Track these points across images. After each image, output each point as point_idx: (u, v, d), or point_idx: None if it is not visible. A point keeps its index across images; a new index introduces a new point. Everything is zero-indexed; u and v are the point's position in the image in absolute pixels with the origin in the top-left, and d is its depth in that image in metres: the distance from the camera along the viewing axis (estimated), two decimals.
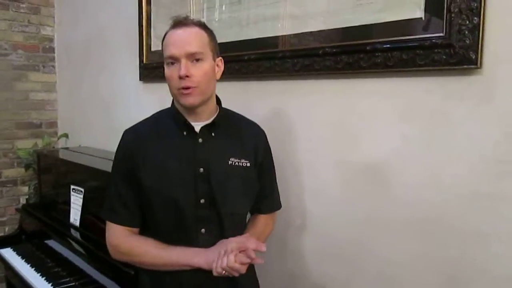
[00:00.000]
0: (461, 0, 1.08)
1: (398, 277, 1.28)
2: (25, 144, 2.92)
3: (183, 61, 1.09)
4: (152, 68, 2.14)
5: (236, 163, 1.19)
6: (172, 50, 1.10)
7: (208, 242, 1.15)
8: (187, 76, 1.09)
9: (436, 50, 1.13)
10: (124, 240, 1.18)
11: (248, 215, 1.34)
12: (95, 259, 1.67)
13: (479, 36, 1.06)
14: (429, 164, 1.19)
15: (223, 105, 1.26)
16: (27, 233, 2.31)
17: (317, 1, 1.41)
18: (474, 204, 1.11)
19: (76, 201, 1.97)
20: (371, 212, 1.33)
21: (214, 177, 1.15)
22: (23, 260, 2.05)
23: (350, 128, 1.37)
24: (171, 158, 1.16)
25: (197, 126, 1.18)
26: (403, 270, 1.26)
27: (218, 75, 1.19)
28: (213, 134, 1.19)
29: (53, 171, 2.35)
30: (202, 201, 1.15)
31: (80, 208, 1.94)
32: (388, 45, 1.23)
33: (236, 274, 1.07)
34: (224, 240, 1.13)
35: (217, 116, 1.21)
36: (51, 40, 3.04)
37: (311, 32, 1.45)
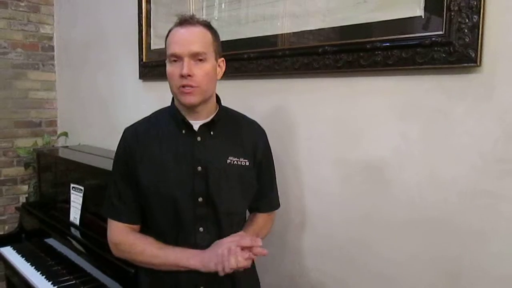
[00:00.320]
0: None
1: (397, 276, 1.28)
2: (25, 143, 2.92)
3: (186, 60, 1.09)
4: (152, 67, 2.14)
5: (235, 162, 1.19)
6: (175, 48, 1.10)
7: (206, 241, 1.15)
8: (189, 75, 1.09)
9: (435, 49, 1.13)
10: (123, 238, 1.18)
11: (247, 214, 1.34)
12: (95, 257, 1.67)
13: (478, 34, 1.06)
14: (428, 162, 1.19)
15: (223, 104, 1.26)
16: (27, 232, 2.31)
17: (316, 0, 1.41)
18: (473, 202, 1.12)
19: (76, 199, 1.97)
20: (370, 210, 1.33)
21: (212, 176, 1.15)
22: (23, 258, 2.05)
23: (349, 126, 1.37)
24: (169, 156, 1.16)
25: (196, 125, 1.18)
26: (402, 269, 1.26)
27: (219, 76, 1.19)
28: (211, 133, 1.19)
29: (52, 170, 2.35)
30: (199, 199, 1.15)
31: (80, 207, 1.94)
32: (387, 44, 1.23)
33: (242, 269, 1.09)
34: (218, 241, 1.13)
35: (216, 114, 1.21)
36: (50, 38, 3.04)
37: (310, 30, 1.45)
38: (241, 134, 1.25)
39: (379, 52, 1.25)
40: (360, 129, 1.34)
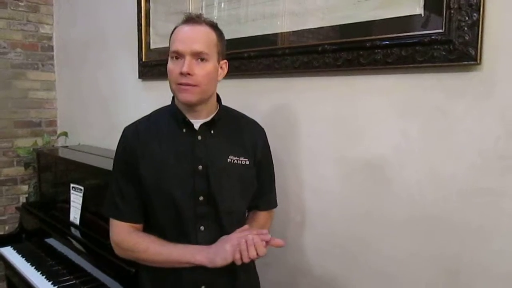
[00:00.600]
0: None
1: (397, 273, 1.28)
2: (25, 143, 2.92)
3: (188, 58, 1.09)
4: (151, 66, 2.14)
5: (235, 161, 1.19)
6: (178, 45, 1.10)
7: (207, 239, 1.15)
8: (188, 74, 1.08)
9: (435, 47, 1.13)
10: (126, 237, 1.18)
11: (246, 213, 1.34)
12: (95, 257, 1.67)
13: (478, 32, 1.06)
14: (428, 160, 1.19)
15: (223, 103, 1.26)
16: (27, 232, 2.31)
17: None
18: (474, 200, 1.12)
19: (76, 199, 1.97)
20: (370, 208, 1.33)
21: (212, 175, 1.15)
22: (24, 258, 2.05)
23: (349, 124, 1.37)
24: (170, 155, 1.16)
25: (196, 124, 1.18)
26: (402, 266, 1.27)
27: (220, 77, 1.19)
28: (212, 132, 1.19)
29: (52, 170, 2.35)
30: (200, 198, 1.15)
31: (80, 207, 1.94)
32: (387, 42, 1.23)
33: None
34: (225, 237, 1.13)
35: (216, 113, 1.21)
36: (50, 38, 3.04)
37: (310, 29, 1.45)
38: (241, 133, 1.25)
39: (379, 50, 1.25)
40: (360, 128, 1.34)
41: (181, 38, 1.11)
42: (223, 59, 1.18)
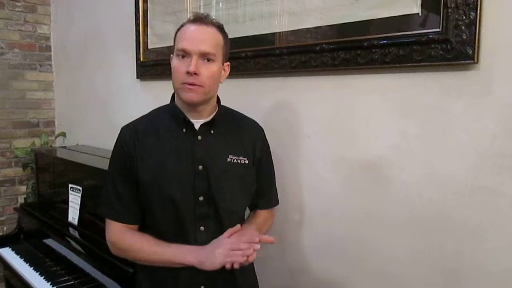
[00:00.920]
0: None
1: (397, 273, 1.28)
2: (23, 143, 2.91)
3: (194, 57, 1.09)
4: (149, 66, 2.13)
5: (235, 160, 1.19)
6: (186, 44, 1.10)
7: (207, 240, 1.15)
8: (195, 73, 1.09)
9: (433, 46, 1.13)
10: (121, 237, 1.18)
11: (247, 212, 1.34)
12: (93, 257, 1.67)
13: (475, 31, 1.06)
14: (427, 159, 1.19)
15: (221, 103, 1.26)
16: (26, 233, 2.30)
17: None
18: (472, 199, 1.12)
19: (74, 199, 1.97)
20: (369, 208, 1.33)
21: (212, 175, 1.15)
22: (22, 259, 2.05)
23: (348, 124, 1.37)
24: (169, 155, 1.15)
25: (197, 124, 1.18)
26: (401, 266, 1.27)
27: (223, 79, 1.19)
28: (212, 132, 1.19)
29: (51, 170, 2.34)
30: (200, 198, 1.15)
31: (78, 207, 1.94)
32: (385, 41, 1.23)
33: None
34: (216, 240, 1.13)
35: (216, 113, 1.21)
36: (47, 38, 3.03)
37: (308, 28, 1.45)
38: (240, 133, 1.25)
39: (376, 49, 1.25)
40: (358, 127, 1.34)
41: (189, 37, 1.11)
42: (226, 61, 1.19)
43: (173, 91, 1.22)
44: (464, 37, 1.07)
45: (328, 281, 1.46)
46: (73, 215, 1.96)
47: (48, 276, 1.85)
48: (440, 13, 1.12)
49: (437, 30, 1.13)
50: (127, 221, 1.19)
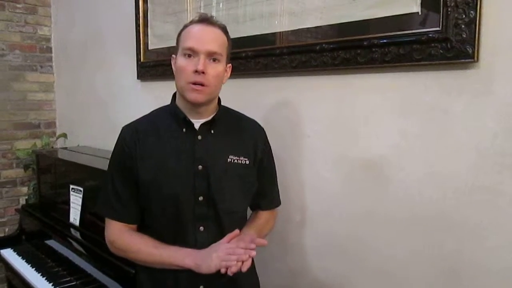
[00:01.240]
0: None
1: (397, 272, 1.28)
2: (24, 145, 2.92)
3: (202, 56, 1.10)
4: (150, 67, 2.13)
5: (235, 161, 1.19)
6: (193, 43, 1.10)
7: (207, 240, 1.15)
8: (202, 72, 1.09)
9: (433, 45, 1.13)
10: (120, 236, 1.18)
11: (249, 212, 1.34)
12: (95, 258, 1.67)
13: (475, 30, 1.06)
14: (427, 158, 1.19)
15: (222, 103, 1.26)
16: (27, 234, 2.31)
17: None
18: (472, 198, 1.12)
19: (76, 200, 1.97)
20: (370, 207, 1.33)
21: (212, 175, 1.15)
22: (24, 260, 2.05)
23: (348, 123, 1.37)
24: (170, 154, 1.16)
25: (197, 123, 1.18)
26: (401, 265, 1.27)
27: (225, 80, 1.20)
28: (212, 132, 1.19)
29: (52, 171, 2.34)
30: (200, 198, 1.15)
31: (79, 208, 1.94)
32: (385, 40, 1.23)
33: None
34: (215, 245, 1.13)
35: (216, 113, 1.21)
36: (48, 40, 3.04)
37: (308, 28, 1.45)
38: (241, 133, 1.25)
39: (376, 49, 1.25)
40: (358, 126, 1.34)
41: (196, 36, 1.11)
42: (228, 63, 1.19)
43: (173, 92, 1.23)
44: (464, 36, 1.07)
45: (329, 281, 1.46)
46: (75, 216, 1.96)
47: (49, 277, 1.85)
48: (440, 12, 1.12)
49: (437, 29, 1.13)
50: (126, 221, 1.19)
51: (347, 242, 1.40)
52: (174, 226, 1.16)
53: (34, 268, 1.95)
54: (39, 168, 2.44)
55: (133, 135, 1.18)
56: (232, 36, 1.21)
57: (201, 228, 1.16)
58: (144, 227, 1.21)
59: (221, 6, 1.75)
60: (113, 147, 1.22)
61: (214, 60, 1.12)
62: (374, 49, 1.25)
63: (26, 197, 2.90)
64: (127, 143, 1.18)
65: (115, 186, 1.19)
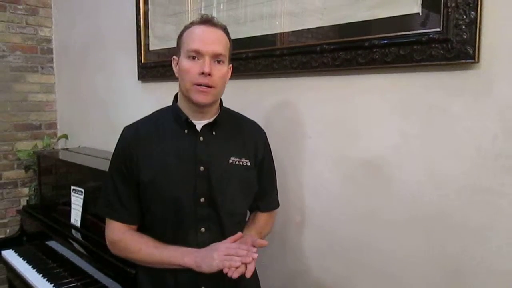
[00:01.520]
0: None
1: (398, 273, 1.28)
2: (25, 146, 2.92)
3: (207, 58, 1.10)
4: (150, 68, 2.14)
5: (237, 162, 1.20)
6: (198, 45, 1.10)
7: (208, 241, 1.15)
8: (209, 74, 1.09)
9: (433, 45, 1.13)
10: (120, 237, 1.19)
11: (248, 214, 1.35)
12: (96, 259, 1.67)
13: (476, 30, 1.06)
14: (427, 159, 1.19)
15: (223, 104, 1.26)
16: (28, 235, 2.31)
17: None
18: (473, 199, 1.12)
19: (77, 201, 1.97)
20: (370, 208, 1.33)
21: (214, 176, 1.15)
22: (25, 261, 2.05)
23: (348, 124, 1.37)
24: (171, 156, 1.16)
25: (199, 125, 1.18)
26: (403, 266, 1.27)
27: (227, 81, 1.20)
28: (214, 133, 1.19)
29: (53, 172, 2.35)
30: (202, 200, 1.15)
31: (80, 209, 1.94)
32: (385, 41, 1.23)
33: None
34: (215, 245, 1.13)
35: (218, 115, 1.21)
36: (49, 41, 3.04)
37: (308, 29, 1.45)
38: (242, 135, 1.25)
39: (377, 49, 1.25)
40: (359, 127, 1.34)
41: (201, 38, 1.11)
42: (229, 64, 1.20)
43: (175, 93, 1.23)
44: (465, 36, 1.07)
45: (329, 282, 1.46)
46: (76, 217, 1.96)
47: (51, 278, 1.85)
48: (441, 13, 1.12)
49: (438, 29, 1.13)
50: (127, 221, 1.19)
51: (347, 243, 1.40)
52: (175, 227, 1.16)
53: (35, 269, 1.95)
54: (40, 169, 2.45)
55: (134, 136, 1.19)
56: (232, 37, 1.21)
57: (203, 229, 1.16)
58: (145, 228, 1.21)
59: (221, 7, 1.75)
60: (115, 148, 1.22)
61: (219, 61, 1.12)
62: (374, 50, 1.25)
63: (27, 198, 2.91)
64: (128, 144, 1.18)
65: (115, 186, 1.19)
